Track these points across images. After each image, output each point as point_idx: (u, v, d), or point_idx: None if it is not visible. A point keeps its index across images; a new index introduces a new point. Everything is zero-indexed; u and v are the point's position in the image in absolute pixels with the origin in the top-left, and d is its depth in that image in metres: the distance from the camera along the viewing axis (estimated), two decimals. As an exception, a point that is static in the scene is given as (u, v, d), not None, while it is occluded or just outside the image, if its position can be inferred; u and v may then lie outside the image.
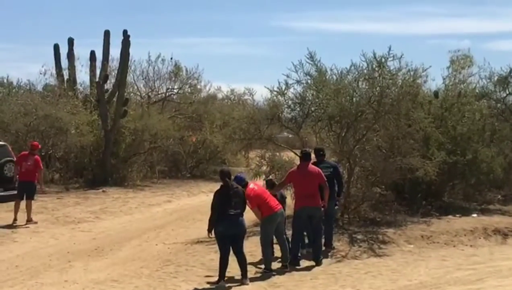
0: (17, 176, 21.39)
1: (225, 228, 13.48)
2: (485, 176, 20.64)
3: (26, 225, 20.51)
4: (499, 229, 18.10)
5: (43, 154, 30.17)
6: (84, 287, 13.95)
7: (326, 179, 15.55)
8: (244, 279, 13.63)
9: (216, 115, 35.76)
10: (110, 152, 31.08)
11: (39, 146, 22.81)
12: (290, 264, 14.99)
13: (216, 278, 14.02)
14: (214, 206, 13.64)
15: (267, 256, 14.61)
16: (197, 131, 35.80)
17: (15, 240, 19.01)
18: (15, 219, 20.60)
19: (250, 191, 14.26)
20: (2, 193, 23.02)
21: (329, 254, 16.12)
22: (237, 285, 13.60)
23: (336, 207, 16.90)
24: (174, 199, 27.52)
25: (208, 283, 14.06)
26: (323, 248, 16.05)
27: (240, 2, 77.24)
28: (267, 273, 14.33)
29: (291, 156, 20.74)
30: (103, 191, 28.22)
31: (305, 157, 15.82)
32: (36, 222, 20.84)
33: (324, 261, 15.52)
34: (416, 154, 19.00)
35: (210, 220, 13.81)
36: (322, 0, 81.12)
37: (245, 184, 14.41)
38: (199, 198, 27.62)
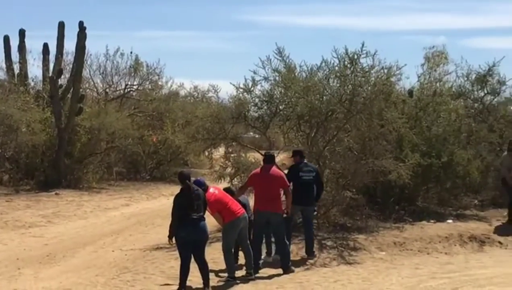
0: None
1: (187, 234, 13.44)
2: (461, 179, 20.76)
3: None
4: (475, 236, 18.22)
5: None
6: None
7: (302, 184, 15.68)
8: (205, 287, 13.62)
9: (178, 113, 35.74)
10: (64, 152, 30.91)
11: None
12: (254, 271, 15.04)
13: (176, 287, 14.05)
14: (175, 211, 13.60)
15: (230, 263, 14.59)
16: (157, 130, 35.72)
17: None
18: None
19: (210, 195, 14.22)
20: None
21: (311, 262, 16.15)
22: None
23: (315, 213, 16.98)
24: (132, 203, 27.47)
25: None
26: (305, 255, 16.12)
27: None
28: (230, 282, 14.33)
29: (258, 157, 20.77)
30: (56, 193, 28.07)
31: (268, 159, 15.79)
32: None
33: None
34: (389, 156, 19.10)
35: (171, 226, 13.78)
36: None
37: (205, 189, 14.35)
38: (159, 201, 27.60)
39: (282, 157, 22.63)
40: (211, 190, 14.45)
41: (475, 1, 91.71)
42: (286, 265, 15.32)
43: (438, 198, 21.13)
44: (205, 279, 13.67)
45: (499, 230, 18.73)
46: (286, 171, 16.96)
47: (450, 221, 19.49)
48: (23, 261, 16.90)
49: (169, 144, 35.34)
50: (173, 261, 16.33)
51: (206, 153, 23.76)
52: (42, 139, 30.51)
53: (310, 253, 16.45)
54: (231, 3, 77.91)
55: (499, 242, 18.03)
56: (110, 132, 32.57)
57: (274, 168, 15.72)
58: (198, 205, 13.55)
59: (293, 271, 15.27)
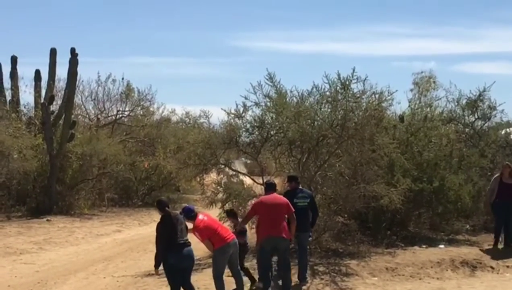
0: None
1: (176, 261, 13.46)
2: (453, 204, 20.72)
3: None
4: (467, 261, 18.20)
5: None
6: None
7: (297, 210, 15.64)
8: None
9: (169, 139, 35.76)
10: (56, 178, 30.89)
11: None
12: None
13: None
14: (160, 239, 13.57)
15: (220, 288, 14.55)
16: (149, 156, 35.73)
17: None
18: None
19: (199, 222, 14.18)
20: None
21: (304, 288, 16.11)
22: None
23: (310, 239, 16.92)
24: (124, 229, 27.44)
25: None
26: (298, 281, 16.06)
27: (194, 20, 77.26)
28: None
29: (249, 183, 20.76)
30: (48, 220, 28.02)
31: (269, 187, 15.73)
32: None
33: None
34: (380, 181, 19.08)
35: (156, 255, 13.75)
36: (282, 19, 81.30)
37: (194, 215, 14.37)
38: (151, 227, 27.25)
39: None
40: (200, 217, 14.38)
41: (465, 27, 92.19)
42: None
43: (430, 223, 21.12)
44: None
45: (491, 255, 18.71)
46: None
47: (442, 246, 19.46)
48: (14, 288, 16.86)
49: (161, 170, 35.37)
50: (165, 288, 16.27)
51: (198, 179, 23.71)
52: (33, 166, 30.48)
53: (303, 279, 16.37)
54: (223, 30, 78.18)
55: (491, 267, 18.01)
56: (102, 158, 32.57)
57: (276, 195, 15.69)
58: (181, 230, 13.62)
59: None
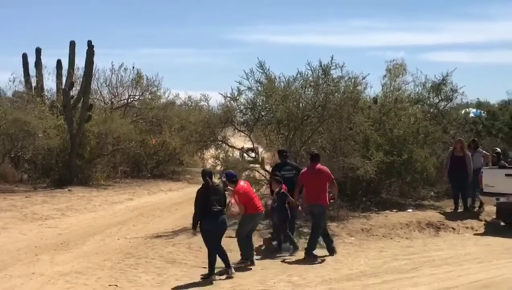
0: None
1: (212, 227, 13.37)
2: (419, 174, 20.79)
3: None
4: (432, 222, 18.25)
5: (12, 156, 29.98)
6: (50, 278, 13.82)
7: (284, 180, 15.66)
8: (228, 268, 13.50)
9: (174, 119, 35.64)
10: (76, 154, 30.85)
11: None
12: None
13: (174, 270, 14.07)
14: (197, 203, 13.50)
15: (246, 247, 14.58)
16: (157, 135, 35.61)
17: (-16, 236, 18.81)
18: None
19: (240, 187, 14.24)
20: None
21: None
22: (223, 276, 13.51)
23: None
24: (135, 197, 27.39)
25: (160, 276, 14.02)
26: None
27: (197, 16, 77.31)
28: (245, 263, 14.42)
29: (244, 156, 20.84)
30: (69, 190, 27.98)
31: (313, 158, 15.75)
32: None
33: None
34: (356, 155, 19.13)
35: (194, 217, 13.64)
36: (272, 15, 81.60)
37: (235, 180, 14.46)
38: (159, 196, 27.54)
39: (266, 156, 22.61)
40: (241, 183, 14.49)
41: (430, 21, 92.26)
42: (332, 249, 15.49)
43: (400, 190, 21.17)
44: (226, 262, 13.54)
45: (452, 218, 18.77)
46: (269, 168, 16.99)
47: (410, 210, 19.50)
48: (40, 249, 16.84)
49: (167, 146, 35.24)
50: (171, 247, 16.32)
51: (199, 154, 23.72)
52: (56, 143, 30.39)
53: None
54: (221, 25, 78.16)
55: (452, 228, 18.08)
56: (116, 136, 32.52)
57: (319, 165, 15.68)
58: (216, 199, 13.46)
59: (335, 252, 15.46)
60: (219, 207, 13.47)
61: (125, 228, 19.69)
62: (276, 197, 15.59)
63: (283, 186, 15.53)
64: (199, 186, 13.75)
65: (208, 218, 13.33)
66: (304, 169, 15.91)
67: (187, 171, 36.71)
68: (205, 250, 15.52)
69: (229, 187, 14.65)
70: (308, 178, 15.49)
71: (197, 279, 13.66)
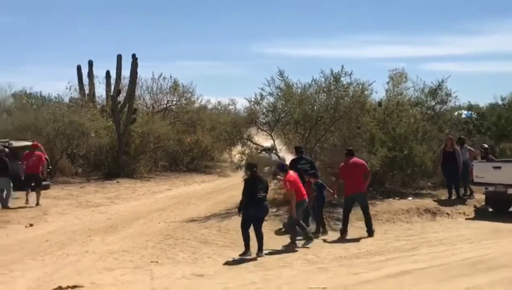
0: (24, 170, 21.28)
1: (255, 212, 13.47)
2: (418, 167, 20.65)
3: (36, 206, 20.74)
4: (429, 209, 18.14)
5: (68, 152, 30.18)
6: (101, 256, 13.89)
7: (300, 172, 15.63)
8: (259, 251, 13.45)
9: (206, 121, 35.62)
10: (122, 151, 31.04)
11: (39, 145, 23.05)
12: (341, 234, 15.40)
13: (207, 249, 14.09)
14: (245, 191, 13.56)
15: (302, 230, 14.61)
16: (191, 134, 35.65)
17: (46, 220, 18.95)
18: (26, 201, 20.84)
19: (290, 176, 14.29)
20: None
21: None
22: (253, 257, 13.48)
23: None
24: (173, 188, 27.46)
25: (195, 254, 14.05)
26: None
27: (224, 33, 77.34)
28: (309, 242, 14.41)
29: (263, 153, 20.83)
30: (117, 181, 28.15)
31: (349, 153, 15.85)
32: (40, 205, 20.89)
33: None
34: (364, 151, 19.03)
35: (241, 202, 13.72)
36: (289, 31, 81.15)
37: (286, 169, 14.56)
38: (193, 187, 27.60)
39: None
40: (291, 172, 14.48)
41: (428, 35, 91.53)
42: (370, 230, 15.57)
43: (401, 181, 21.01)
44: (260, 245, 13.53)
45: (446, 205, 18.65)
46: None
47: (410, 198, 19.38)
48: (92, 231, 16.94)
49: (200, 144, 35.30)
50: (204, 230, 16.35)
51: (227, 150, 23.76)
52: (106, 142, 30.68)
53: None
54: (244, 40, 77.90)
55: (447, 213, 17.95)
56: (156, 136, 32.62)
57: (355, 158, 15.80)
58: (261, 188, 13.56)
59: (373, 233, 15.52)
60: (263, 194, 13.61)
61: (164, 213, 19.76)
62: (315, 187, 15.62)
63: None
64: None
65: (254, 203, 13.43)
66: (342, 164, 15.90)
67: (217, 166, 36.69)
68: (234, 233, 15.61)
69: (279, 176, 14.80)
70: (347, 172, 15.57)
71: (226, 256, 13.67)
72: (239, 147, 21.04)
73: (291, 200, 14.31)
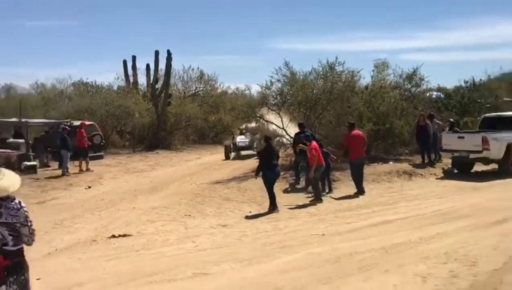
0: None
1: (272, 174, 13.57)
2: (397, 138, 20.47)
3: (87, 171, 20.84)
4: (406, 171, 18.03)
5: (118, 130, 30.30)
6: (145, 211, 14.02)
7: None
8: (275, 208, 13.45)
9: (227, 103, 35.52)
10: (161, 128, 31.06)
11: (85, 124, 23.30)
12: (359, 193, 15.10)
13: (229, 205, 14.15)
14: (261, 159, 13.84)
15: (319, 189, 14.58)
16: (215, 114, 35.63)
17: (101, 183, 19.08)
18: (80, 169, 20.91)
19: (314, 145, 14.25)
20: (92, 154, 22.92)
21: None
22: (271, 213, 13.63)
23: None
24: (201, 157, 27.44)
25: (219, 209, 14.11)
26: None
27: (243, 31, 76.78)
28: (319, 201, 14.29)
29: (274, 128, 20.78)
30: (157, 152, 28.21)
31: (352, 126, 15.75)
32: (92, 171, 20.97)
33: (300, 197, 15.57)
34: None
35: (258, 168, 13.88)
36: (298, 29, 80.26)
37: (311, 140, 14.47)
38: (217, 156, 27.49)
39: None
40: (314, 142, 14.41)
41: (406, 30, 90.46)
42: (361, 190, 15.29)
43: (383, 149, 20.84)
44: (274, 202, 13.55)
45: (420, 168, 18.56)
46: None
47: (391, 162, 19.26)
48: (138, 191, 17.05)
49: (222, 122, 35.24)
50: (226, 190, 16.40)
51: (244, 126, 23.85)
52: (147, 121, 30.73)
53: (307, 184, 16.36)
54: (260, 36, 77.23)
55: (421, 174, 17.84)
56: (187, 116, 32.56)
57: (356, 130, 15.65)
58: (275, 156, 13.78)
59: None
60: (276, 162, 13.75)
61: (194, 177, 19.79)
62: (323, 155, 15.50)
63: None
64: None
65: (270, 169, 13.50)
66: (348, 134, 15.68)
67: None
68: (250, 191, 15.65)
69: (300, 145, 14.82)
70: (353, 140, 15.37)
71: (244, 211, 13.74)
72: (253, 124, 21.03)
73: (312, 163, 14.17)
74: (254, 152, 21.93)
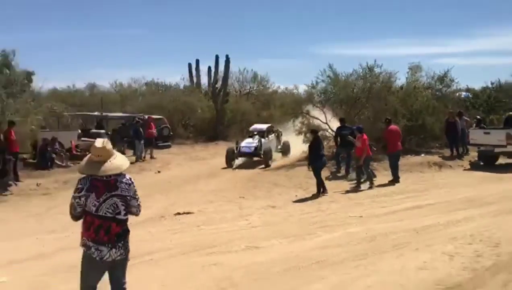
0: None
1: (321, 164, 13.57)
2: (429, 133, 20.07)
3: (152, 159, 20.91)
4: (436, 162, 17.62)
5: (182, 123, 30.69)
6: (205, 193, 14.21)
7: (343, 137, 15.37)
8: (324, 191, 13.44)
9: (277, 101, 35.47)
10: (219, 122, 31.26)
11: (152, 118, 23.49)
12: (395, 181, 14.67)
13: (277, 189, 14.17)
14: (312, 150, 13.57)
15: (368, 174, 14.35)
16: (266, 110, 35.59)
17: (169, 169, 19.40)
18: (151, 157, 21.07)
19: (365, 137, 14.07)
20: (161, 144, 23.37)
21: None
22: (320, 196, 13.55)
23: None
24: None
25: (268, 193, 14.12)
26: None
27: (293, 37, 76.26)
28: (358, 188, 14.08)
29: (319, 123, 20.64)
30: (216, 143, 28.39)
31: (389, 121, 15.33)
32: (155, 158, 21.00)
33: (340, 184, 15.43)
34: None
35: (308, 159, 13.75)
36: (340, 36, 78.95)
37: (363, 132, 14.25)
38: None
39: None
40: (365, 135, 14.14)
41: (438, 38, 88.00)
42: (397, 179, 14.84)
43: (416, 143, 20.37)
44: (323, 187, 13.51)
45: (449, 160, 18.09)
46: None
47: (423, 155, 18.83)
48: (199, 177, 17.27)
49: (273, 117, 35.03)
50: (275, 176, 16.45)
51: (292, 120, 23.68)
52: (208, 116, 31.01)
53: (347, 172, 16.22)
54: (309, 42, 76.46)
55: (450, 166, 17.42)
56: (242, 112, 32.67)
57: (393, 125, 15.23)
58: (322, 147, 13.75)
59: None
60: (323, 152, 13.68)
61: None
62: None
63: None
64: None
65: (319, 159, 13.42)
66: (385, 129, 15.27)
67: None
68: (296, 178, 15.61)
69: (349, 137, 14.83)
70: (390, 134, 15.02)
71: (291, 194, 13.72)
72: (300, 119, 20.92)
73: (362, 153, 13.98)
74: (261, 158, 19.30)
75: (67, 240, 8.76)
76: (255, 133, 21.20)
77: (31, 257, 8.07)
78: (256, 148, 19.55)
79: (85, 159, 4.68)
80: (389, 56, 55.81)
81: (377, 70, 19.82)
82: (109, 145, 4.65)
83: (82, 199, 4.49)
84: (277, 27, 79.08)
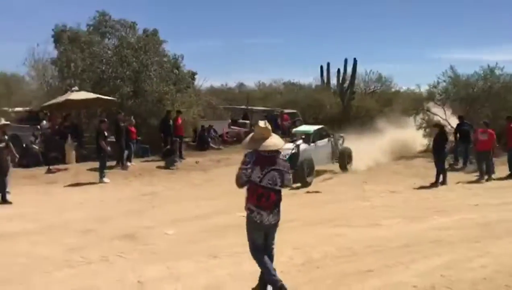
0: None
1: (446, 155, 12.97)
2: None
3: None
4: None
5: (314, 117, 30.66)
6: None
7: (462, 132, 14.43)
8: (444, 181, 12.45)
9: (398, 98, 33.90)
10: (348, 116, 30.74)
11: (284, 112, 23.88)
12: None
13: (396, 176, 13.70)
14: (439, 142, 12.67)
15: (489, 168, 13.19)
16: (388, 106, 34.19)
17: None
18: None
19: (492, 132, 13.20)
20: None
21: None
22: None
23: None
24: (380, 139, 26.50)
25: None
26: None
27: (412, 41, 71.18)
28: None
29: (438, 119, 19.44)
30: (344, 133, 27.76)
31: (510, 118, 13.79)
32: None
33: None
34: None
35: (433, 150, 12.98)
36: (464, 43, 71.32)
37: (489, 127, 13.36)
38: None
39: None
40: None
41: None
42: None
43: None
44: (438, 177, 12.49)
45: None
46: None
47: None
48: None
49: (394, 113, 33.61)
50: (395, 166, 15.88)
51: (413, 116, 22.44)
52: (335, 111, 30.37)
53: (465, 164, 15.06)
54: (428, 48, 71.15)
55: None
56: (367, 108, 31.58)
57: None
58: (446, 139, 12.99)
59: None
60: (446, 144, 12.86)
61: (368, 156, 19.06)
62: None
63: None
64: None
65: (443, 150, 12.59)
66: (507, 126, 13.72)
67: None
68: (415, 168, 14.87)
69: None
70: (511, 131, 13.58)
71: (409, 182, 13.13)
72: (421, 115, 19.87)
73: (493, 148, 13.09)
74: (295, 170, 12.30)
75: (220, 206, 9.35)
76: (302, 137, 14.09)
77: (191, 217, 8.76)
78: (291, 157, 12.15)
79: (249, 137, 4.88)
80: (507, 60, 50.06)
81: (497, 71, 18.28)
82: (269, 126, 4.80)
83: (249, 170, 4.67)
84: (401, 33, 75.14)
